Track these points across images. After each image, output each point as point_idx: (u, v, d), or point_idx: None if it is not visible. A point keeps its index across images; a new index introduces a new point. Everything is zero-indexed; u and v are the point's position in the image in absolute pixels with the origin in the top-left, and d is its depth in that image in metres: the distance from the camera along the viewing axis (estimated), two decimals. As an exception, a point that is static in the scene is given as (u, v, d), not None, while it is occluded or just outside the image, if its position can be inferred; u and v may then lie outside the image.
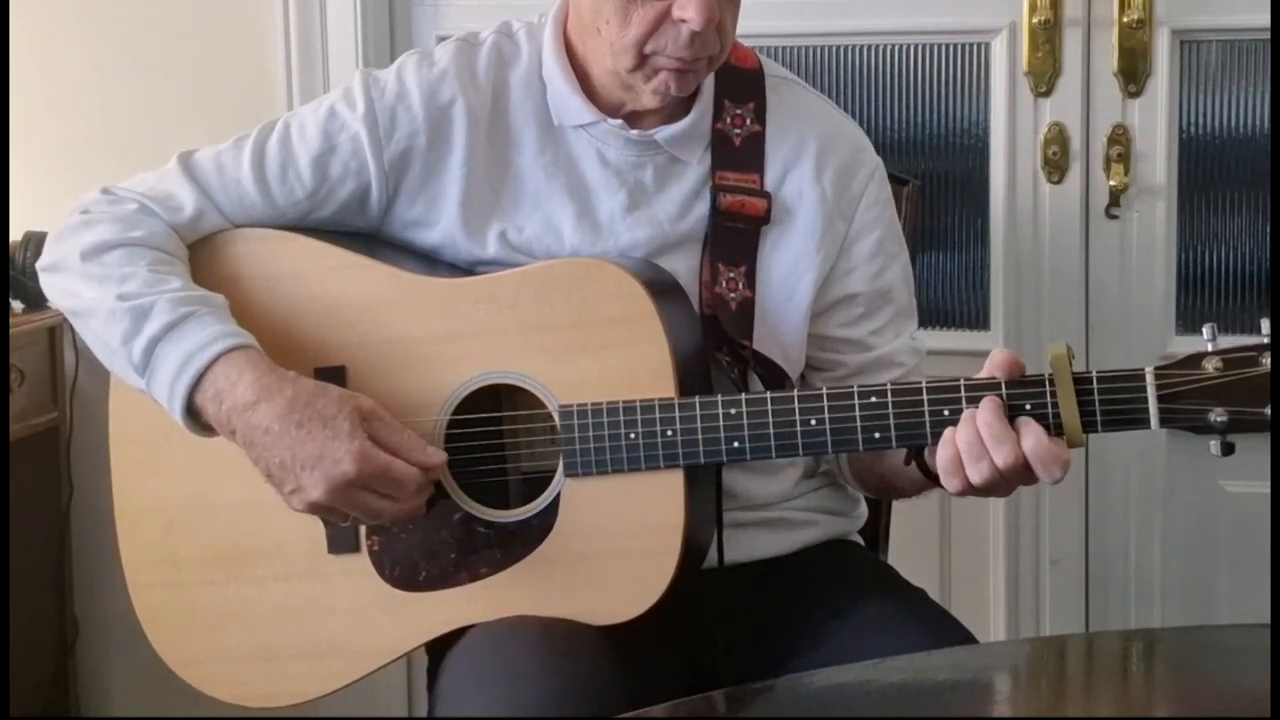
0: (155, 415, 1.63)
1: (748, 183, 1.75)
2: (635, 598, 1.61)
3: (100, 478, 1.81)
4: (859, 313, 1.79)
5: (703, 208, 1.75)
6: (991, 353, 1.56)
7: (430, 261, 1.75)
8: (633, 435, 1.61)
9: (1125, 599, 2.49)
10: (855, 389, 1.57)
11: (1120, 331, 2.42)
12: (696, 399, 1.60)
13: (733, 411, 1.59)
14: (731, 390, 1.68)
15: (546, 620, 1.63)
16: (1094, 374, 1.51)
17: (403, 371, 1.66)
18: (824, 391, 1.57)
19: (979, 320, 2.50)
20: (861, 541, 1.94)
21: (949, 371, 1.58)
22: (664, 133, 1.74)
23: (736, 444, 1.59)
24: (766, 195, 1.75)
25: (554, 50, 1.74)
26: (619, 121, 1.73)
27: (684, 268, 1.74)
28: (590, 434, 1.61)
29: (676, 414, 1.60)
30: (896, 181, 1.96)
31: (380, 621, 1.68)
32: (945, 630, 1.67)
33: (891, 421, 1.56)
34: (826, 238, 1.76)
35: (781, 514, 1.81)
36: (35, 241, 2.46)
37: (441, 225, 1.74)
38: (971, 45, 2.45)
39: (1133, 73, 2.37)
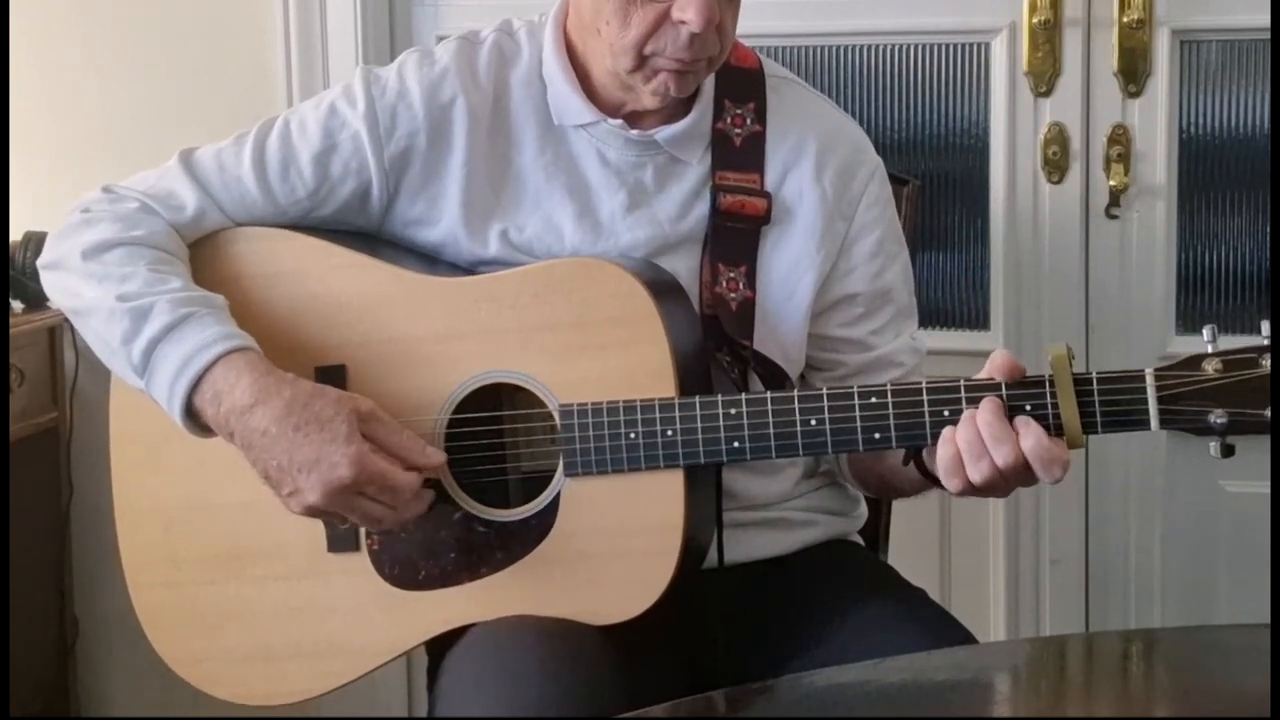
0: (156, 415, 1.63)
1: (748, 183, 1.75)
2: (635, 598, 1.61)
3: (100, 478, 1.81)
4: (859, 312, 1.79)
5: (703, 208, 1.75)
6: (992, 354, 1.56)
7: (431, 261, 1.75)
8: (633, 435, 1.61)
9: (1125, 599, 2.49)
10: (855, 389, 1.57)
11: (1120, 331, 2.42)
12: (697, 399, 1.60)
13: (733, 411, 1.59)
14: (732, 390, 1.68)
15: (546, 620, 1.63)
16: (1094, 375, 1.51)
17: (403, 370, 1.66)
18: (824, 392, 1.58)
19: (979, 320, 2.50)
20: (861, 541, 1.94)
21: (949, 371, 1.59)
22: (664, 133, 1.74)
23: (736, 444, 1.59)
24: (767, 195, 1.75)
25: (554, 50, 1.74)
26: (619, 121, 1.73)
27: (684, 268, 1.74)
28: (590, 434, 1.61)
29: (677, 414, 1.60)
30: (896, 181, 1.96)
31: (380, 621, 1.68)
32: (945, 630, 1.67)
33: (892, 422, 1.56)
34: (827, 237, 1.76)
35: (781, 514, 1.81)
36: (35, 241, 2.46)
37: (443, 224, 1.74)
38: (971, 45, 2.45)
39: (1133, 73, 2.37)
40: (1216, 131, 2.40)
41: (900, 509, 2.07)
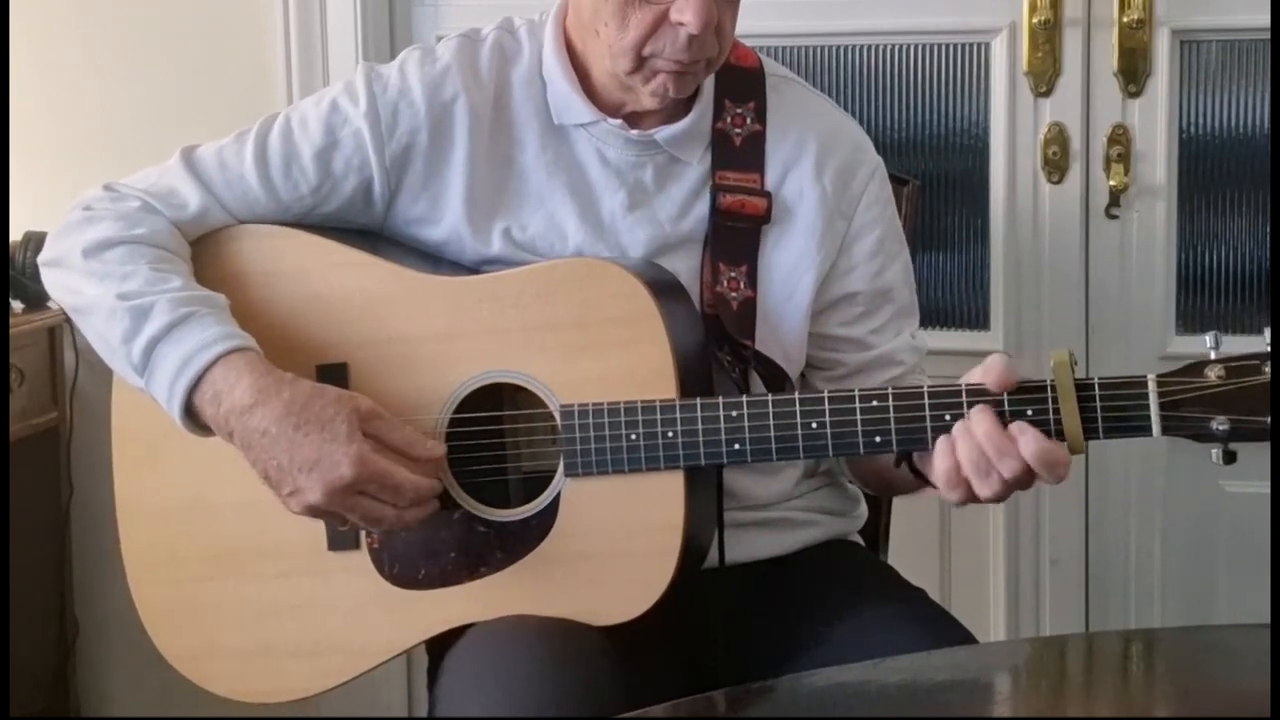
0: (157, 413, 1.63)
1: (748, 182, 1.75)
2: (635, 598, 1.61)
3: (100, 478, 1.81)
4: (859, 311, 1.79)
5: (703, 207, 1.75)
6: (988, 359, 1.55)
7: (433, 259, 1.75)
8: (633, 436, 1.60)
9: (1125, 599, 2.49)
10: (856, 392, 1.56)
11: (1120, 332, 2.42)
12: (697, 400, 1.60)
13: (733, 413, 1.59)
14: (733, 390, 1.68)
15: (546, 620, 1.63)
16: (1095, 381, 1.51)
17: (404, 369, 1.66)
18: (825, 394, 1.57)
19: (979, 320, 2.50)
20: (862, 542, 1.94)
21: (949, 371, 1.59)
22: (664, 133, 1.74)
23: (737, 446, 1.59)
24: (767, 195, 1.75)
25: (555, 49, 1.74)
26: (619, 121, 1.73)
27: (685, 267, 1.74)
28: (591, 434, 1.61)
29: (677, 415, 1.60)
30: (896, 181, 1.96)
31: (379, 619, 1.68)
32: (945, 630, 1.67)
33: (892, 425, 1.55)
34: (827, 237, 1.76)
35: (782, 514, 1.81)
36: (35, 241, 2.46)
37: (446, 222, 1.74)
38: (971, 45, 2.45)
39: (1133, 73, 2.37)
40: (1216, 131, 2.40)
41: (900, 509, 2.07)
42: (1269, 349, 1.46)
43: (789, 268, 1.75)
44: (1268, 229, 2.39)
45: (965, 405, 1.53)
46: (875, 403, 1.56)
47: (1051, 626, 2.51)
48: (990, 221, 2.46)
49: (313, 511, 1.58)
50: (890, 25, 2.46)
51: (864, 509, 1.93)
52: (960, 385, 1.54)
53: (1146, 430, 1.50)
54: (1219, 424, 1.47)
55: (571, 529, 1.63)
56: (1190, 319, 2.43)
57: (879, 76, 2.49)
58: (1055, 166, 2.41)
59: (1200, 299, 2.44)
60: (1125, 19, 2.35)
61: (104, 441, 1.77)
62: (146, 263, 1.65)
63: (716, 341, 1.71)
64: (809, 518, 1.83)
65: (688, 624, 1.68)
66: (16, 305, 2.55)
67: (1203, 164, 2.41)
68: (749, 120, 1.77)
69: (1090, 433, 1.51)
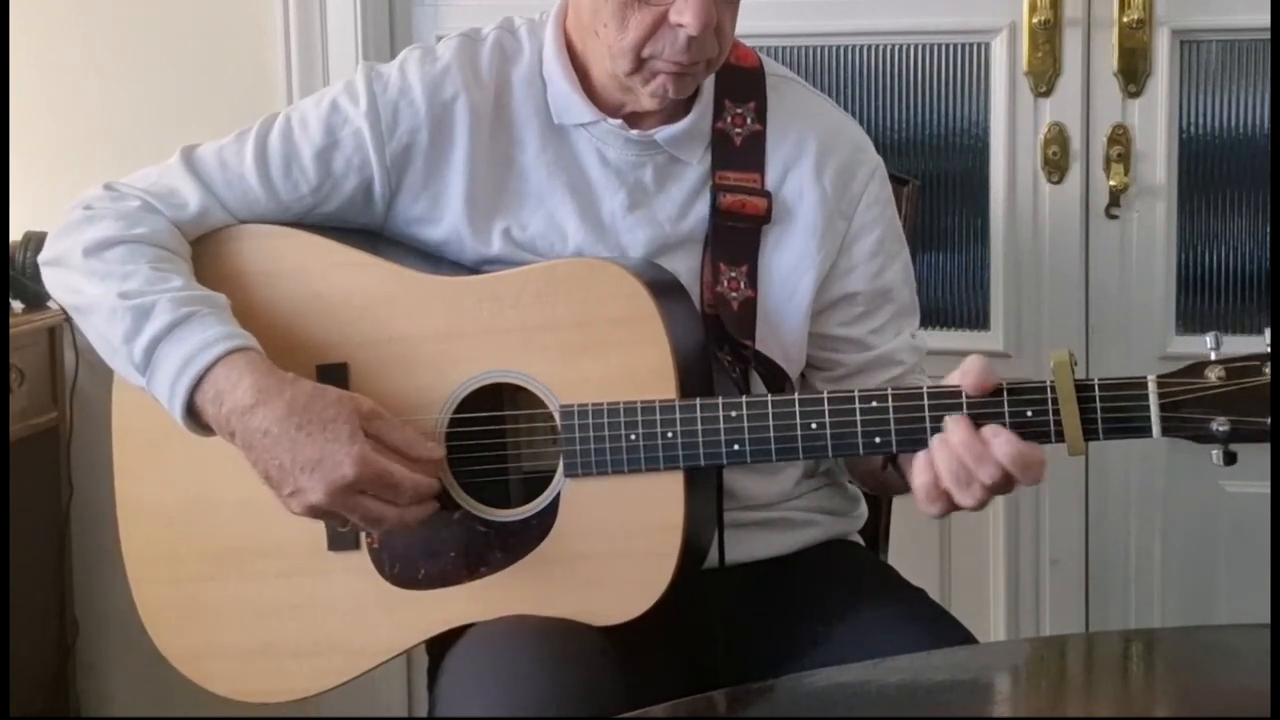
0: (158, 411, 1.63)
1: (748, 182, 1.75)
2: (635, 598, 1.61)
3: (100, 478, 1.81)
4: (859, 312, 1.79)
5: (703, 207, 1.75)
6: (966, 360, 1.54)
7: (433, 259, 1.75)
8: (633, 436, 1.60)
9: (1125, 599, 2.49)
10: (856, 393, 1.56)
11: (1120, 332, 2.42)
12: (697, 401, 1.60)
13: (733, 414, 1.59)
14: (733, 390, 1.68)
15: (546, 620, 1.63)
16: (1095, 382, 1.50)
17: (404, 369, 1.66)
18: (825, 395, 1.57)
19: (979, 320, 2.50)
20: (862, 541, 1.94)
21: (949, 371, 1.58)
22: (664, 133, 1.74)
23: (736, 446, 1.59)
24: (767, 195, 1.75)
25: (555, 49, 1.74)
26: (619, 121, 1.73)
27: (685, 267, 1.74)
28: (590, 434, 1.61)
29: (677, 415, 1.60)
30: (896, 181, 1.96)
31: (379, 619, 1.68)
32: (945, 630, 1.67)
33: (892, 426, 1.55)
34: (827, 237, 1.76)
35: (782, 514, 1.81)
36: (35, 241, 2.46)
37: (446, 222, 1.74)
38: (971, 45, 2.45)
39: (1133, 73, 2.37)
40: (1216, 131, 2.40)
41: (900, 509, 2.07)
42: (1269, 349, 1.46)
43: (789, 268, 1.75)
44: (1268, 229, 2.39)
45: (965, 405, 1.52)
46: (875, 403, 1.56)
47: (1051, 626, 2.51)
48: (990, 221, 2.46)
49: (313, 512, 1.58)
50: (890, 25, 2.46)
51: (864, 509, 1.93)
52: (960, 385, 1.54)
53: (1146, 431, 1.50)
54: (1219, 425, 1.47)
55: (571, 529, 1.63)
56: (1190, 319, 2.43)
57: (879, 76, 2.49)
58: (1055, 166, 2.41)
59: (1200, 299, 2.44)
60: (1125, 19, 2.35)
61: (104, 441, 1.77)
62: (147, 262, 1.65)
63: (717, 342, 1.71)
64: (809, 518, 1.83)
65: (688, 624, 1.68)
66: (16, 305, 2.55)
67: (1203, 164, 2.41)
68: (749, 120, 1.77)
69: (1090, 434, 1.50)
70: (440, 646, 1.67)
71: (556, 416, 1.63)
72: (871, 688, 1.40)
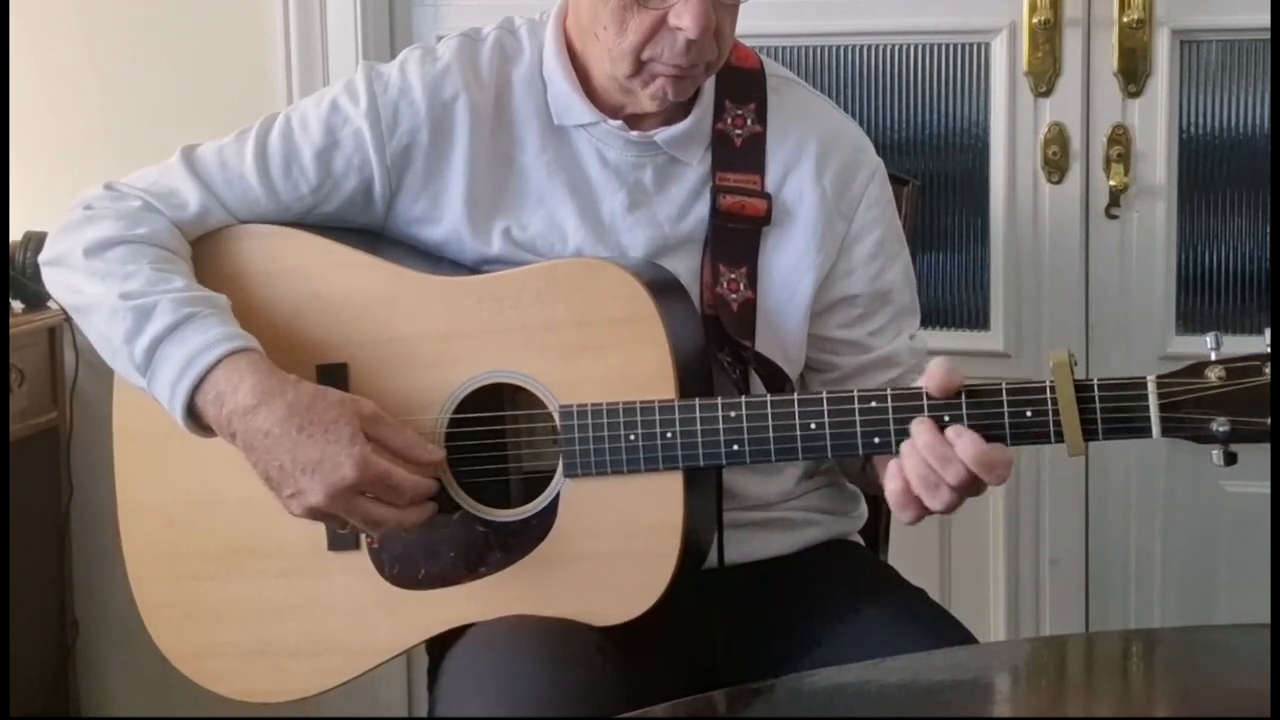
0: (158, 412, 1.63)
1: (748, 183, 1.75)
2: (635, 598, 1.61)
3: (100, 478, 1.81)
4: (858, 313, 1.79)
5: (703, 208, 1.75)
6: (930, 363, 1.54)
7: (433, 259, 1.75)
8: (632, 436, 1.60)
9: (1125, 599, 2.49)
10: (855, 393, 1.56)
11: (1120, 332, 2.42)
12: (696, 401, 1.60)
13: (732, 414, 1.59)
14: (732, 391, 1.68)
15: (546, 620, 1.63)
16: (1095, 382, 1.50)
17: (404, 369, 1.66)
18: (824, 395, 1.57)
19: (979, 320, 2.50)
20: (862, 541, 1.94)
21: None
22: (664, 134, 1.74)
23: (736, 447, 1.59)
24: (767, 196, 1.75)
25: (555, 49, 1.74)
26: (619, 122, 1.73)
27: (685, 268, 1.74)
28: (590, 434, 1.61)
29: (676, 416, 1.60)
30: (896, 181, 1.96)
31: (379, 619, 1.68)
32: (945, 630, 1.67)
33: (891, 426, 1.55)
34: (827, 238, 1.76)
35: (782, 514, 1.81)
36: (35, 241, 2.46)
37: (446, 221, 1.74)
38: (971, 45, 2.45)
39: (1133, 73, 2.37)
40: (1216, 131, 2.40)
41: (900, 509, 2.07)
42: (1269, 350, 1.46)
43: (789, 269, 1.75)
44: (1268, 229, 2.39)
45: (964, 406, 1.53)
46: (874, 404, 1.55)
47: (1051, 626, 2.51)
48: (990, 221, 2.46)
49: (313, 513, 1.58)
50: (890, 25, 2.46)
51: (864, 509, 1.93)
52: (959, 387, 1.54)
53: (1146, 432, 1.50)
54: (1219, 425, 1.47)
55: (571, 529, 1.63)
56: (1190, 319, 2.43)
57: (879, 76, 2.49)
58: (1055, 166, 2.41)
59: (1200, 299, 2.44)
60: (1125, 19, 2.35)
61: (104, 441, 1.77)
62: (148, 262, 1.65)
63: (716, 342, 1.71)
64: (809, 518, 1.83)
65: (688, 624, 1.68)
66: (16, 305, 2.55)
67: (1203, 164, 2.41)
68: (749, 121, 1.77)
69: (1089, 434, 1.50)
70: (440, 646, 1.67)
71: (556, 417, 1.63)
72: (871, 688, 1.40)
